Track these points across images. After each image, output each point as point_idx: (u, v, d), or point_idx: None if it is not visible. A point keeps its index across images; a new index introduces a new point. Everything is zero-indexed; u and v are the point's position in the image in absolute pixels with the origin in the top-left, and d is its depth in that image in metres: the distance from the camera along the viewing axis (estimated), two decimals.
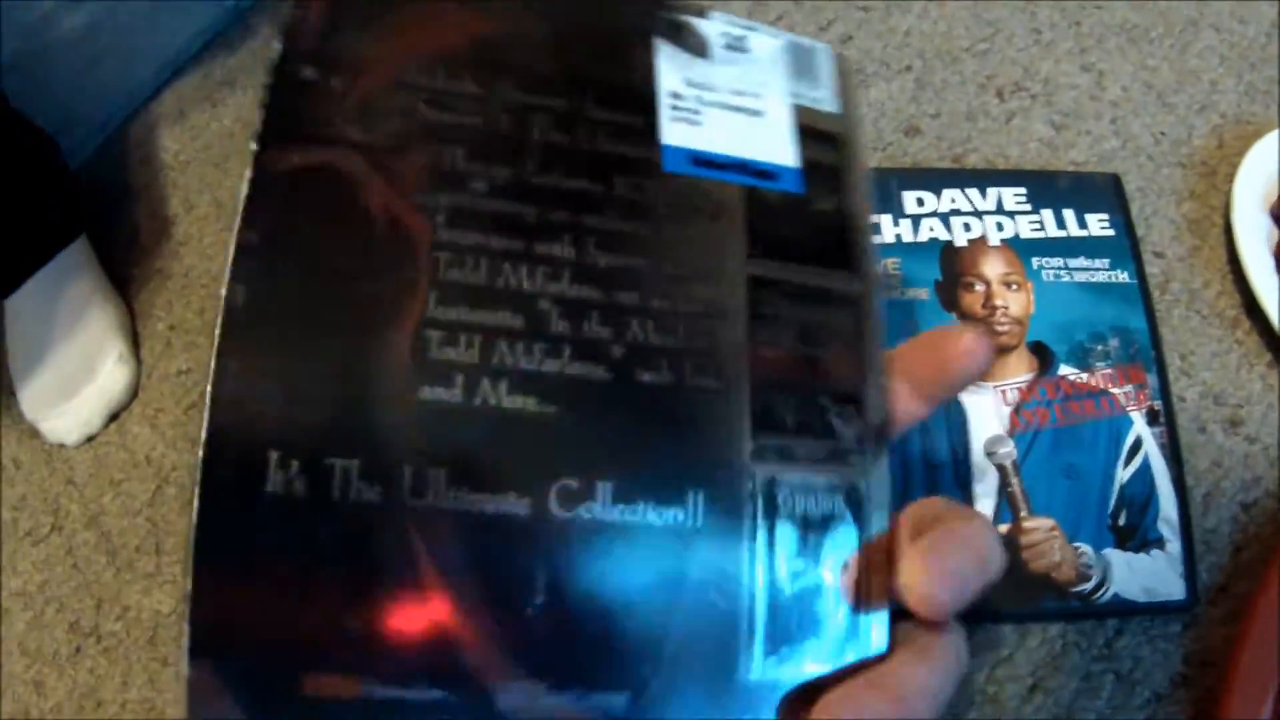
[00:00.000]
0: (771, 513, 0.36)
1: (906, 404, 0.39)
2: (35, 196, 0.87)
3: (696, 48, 0.42)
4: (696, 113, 0.41)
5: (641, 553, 0.34)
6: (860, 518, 0.37)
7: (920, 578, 0.33)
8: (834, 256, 0.40)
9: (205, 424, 0.32)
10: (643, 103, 0.40)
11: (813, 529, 0.36)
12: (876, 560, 0.36)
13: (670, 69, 0.41)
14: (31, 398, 0.88)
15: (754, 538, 0.35)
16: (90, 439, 0.88)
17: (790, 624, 0.35)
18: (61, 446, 0.89)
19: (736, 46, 0.43)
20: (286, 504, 0.32)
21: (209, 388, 0.32)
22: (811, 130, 0.42)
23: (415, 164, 0.36)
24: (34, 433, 0.89)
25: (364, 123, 0.37)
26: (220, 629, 0.31)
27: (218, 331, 0.33)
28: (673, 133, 0.40)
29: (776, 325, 0.38)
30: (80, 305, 0.89)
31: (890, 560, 0.36)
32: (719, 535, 0.35)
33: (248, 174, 0.34)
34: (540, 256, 0.36)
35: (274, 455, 0.32)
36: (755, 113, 0.42)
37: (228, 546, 0.32)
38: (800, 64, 0.44)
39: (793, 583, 0.35)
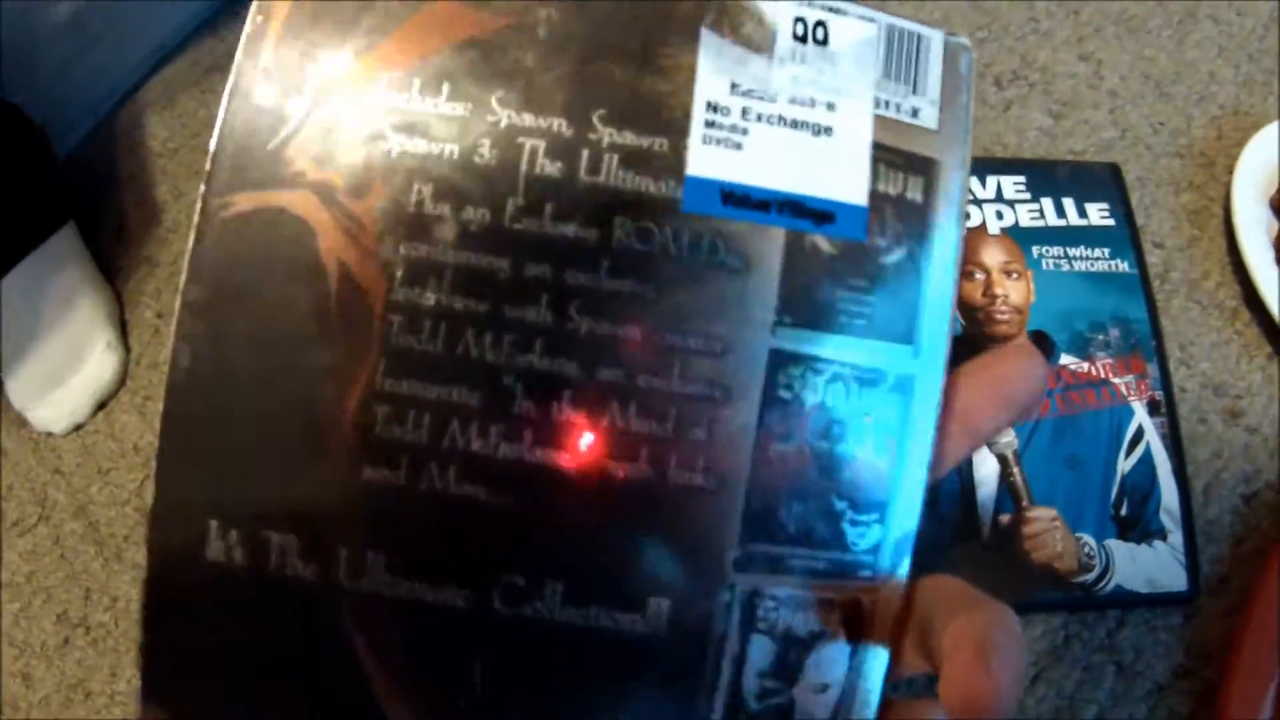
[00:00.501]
0: (748, 627, 0.32)
1: (956, 445, 0.34)
2: (22, 184, 0.86)
3: (755, 41, 0.33)
4: (739, 131, 0.33)
5: (589, 658, 0.32)
6: (855, 638, 0.33)
7: (990, 687, 0.28)
8: (891, 326, 0.33)
9: (152, 487, 0.31)
10: (671, 119, 0.32)
11: (795, 647, 0.32)
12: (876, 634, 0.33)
13: (713, 72, 0.33)
14: (19, 386, 0.87)
15: (721, 651, 0.32)
16: (78, 428, 0.87)
17: None
18: (49, 435, 0.87)
19: (811, 37, 0.34)
20: (226, 572, 0.31)
21: (156, 449, 0.31)
22: (896, 153, 0.33)
23: (375, 205, 0.32)
24: (21, 421, 0.88)
25: (322, 156, 0.32)
26: (168, 679, 0.32)
27: (164, 395, 0.31)
28: (703, 160, 0.32)
29: (796, 412, 0.32)
30: (68, 293, 0.88)
31: (895, 639, 0.33)
32: (681, 647, 0.32)
33: (195, 219, 0.32)
34: (510, 322, 0.31)
35: (213, 524, 0.31)
36: (821, 129, 0.33)
37: (174, 605, 0.32)
38: (898, 59, 0.34)
39: (759, 701, 0.32)
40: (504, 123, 0.32)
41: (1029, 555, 0.71)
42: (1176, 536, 0.72)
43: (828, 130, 0.33)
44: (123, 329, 0.90)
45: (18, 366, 0.87)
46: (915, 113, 0.34)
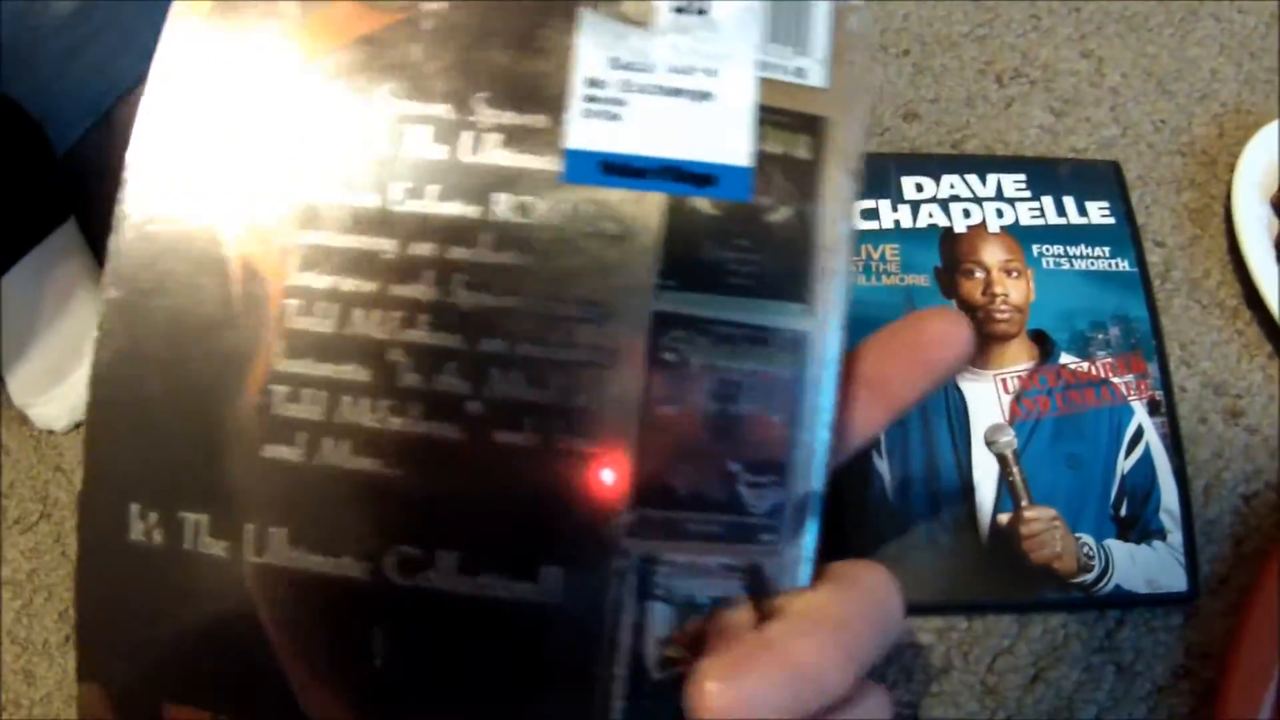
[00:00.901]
0: (645, 594, 0.32)
1: (868, 413, 0.34)
2: (22, 181, 0.86)
3: (634, 16, 0.34)
4: (619, 103, 0.34)
5: (486, 627, 0.32)
6: (761, 604, 0.32)
7: (706, 696, 0.30)
8: (779, 284, 0.33)
9: (82, 473, 0.33)
10: (550, 97, 0.34)
11: (697, 614, 0.32)
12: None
13: (593, 48, 0.34)
14: (20, 383, 0.87)
15: (618, 620, 0.32)
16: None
17: (653, 714, 0.32)
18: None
19: (691, 8, 0.35)
20: (146, 552, 0.33)
21: (83, 438, 0.34)
22: (782, 113, 0.34)
23: (274, 198, 0.34)
24: (22, 419, 0.87)
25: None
26: (99, 656, 0.34)
27: (89, 387, 0.33)
28: (582, 133, 0.34)
29: (683, 375, 0.32)
30: (68, 290, 0.87)
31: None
32: (578, 615, 0.32)
33: (112, 224, 0.34)
34: (395, 300, 0.33)
35: (134, 507, 0.33)
36: (701, 95, 0.34)
37: (102, 586, 0.34)
38: (782, 22, 0.35)
39: (662, 669, 0.32)
40: (392, 112, 0.34)
41: (1028, 555, 0.71)
42: (1176, 536, 0.71)
43: (708, 96, 0.34)
44: None
45: (18, 363, 0.87)
46: (801, 72, 0.34)
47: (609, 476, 0.32)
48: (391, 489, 0.32)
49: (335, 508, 0.33)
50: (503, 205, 0.33)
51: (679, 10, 0.35)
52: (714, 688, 0.29)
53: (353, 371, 0.33)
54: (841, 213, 0.34)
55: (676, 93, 0.34)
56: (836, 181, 0.34)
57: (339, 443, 0.33)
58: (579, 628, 0.32)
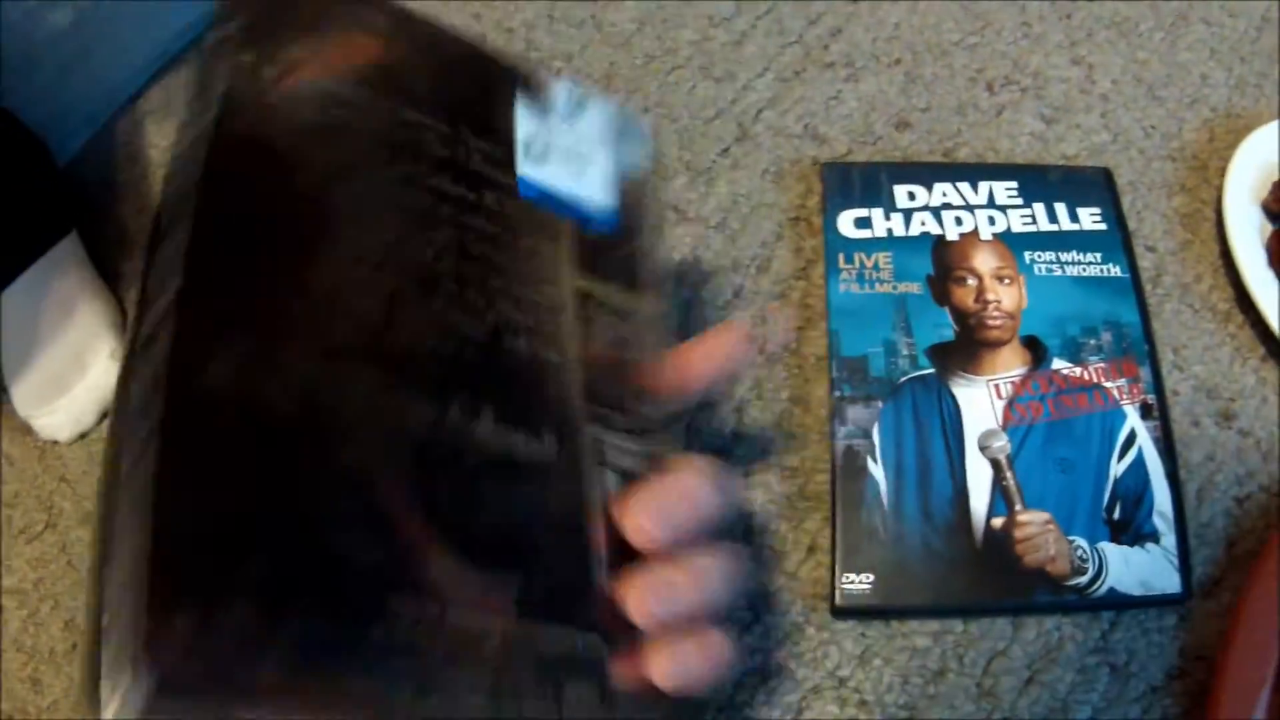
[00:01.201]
0: (601, 462, 0.46)
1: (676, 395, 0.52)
2: (23, 194, 0.86)
3: (545, 105, 0.54)
4: (544, 154, 0.52)
5: (514, 471, 0.44)
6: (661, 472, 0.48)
7: (631, 514, 0.45)
8: (635, 278, 0.54)
9: (159, 409, 0.36)
10: (506, 139, 0.52)
11: (629, 481, 0.47)
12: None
13: (526, 117, 0.53)
14: (23, 395, 0.87)
15: (590, 475, 0.46)
16: (83, 436, 0.88)
17: (621, 554, 0.45)
18: (54, 443, 0.88)
19: (578, 107, 0.55)
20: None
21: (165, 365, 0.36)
22: (624, 183, 0.55)
23: (328, 154, 0.45)
24: (26, 430, 0.88)
25: (290, 109, 0.44)
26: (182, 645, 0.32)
27: (173, 317, 0.37)
28: (527, 168, 0.51)
29: (597, 328, 0.50)
30: (71, 302, 0.88)
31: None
32: (567, 469, 0.45)
33: (201, 154, 0.41)
34: (430, 239, 0.46)
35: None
36: (588, 161, 0.54)
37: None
38: (623, 129, 0.56)
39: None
40: (409, 116, 0.48)
41: (1022, 559, 0.71)
42: (1169, 539, 0.72)
43: (590, 162, 0.54)
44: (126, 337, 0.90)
45: (22, 375, 0.87)
46: (635, 159, 0.57)
47: (570, 378, 0.48)
48: (445, 359, 0.44)
49: (434, 362, 0.43)
50: (490, 198, 0.49)
51: (574, 105, 0.55)
52: (637, 510, 0.46)
53: (405, 279, 0.44)
54: (654, 243, 0.56)
55: (575, 156, 0.54)
56: (650, 225, 0.56)
57: (404, 331, 0.43)
58: (568, 478, 0.45)
